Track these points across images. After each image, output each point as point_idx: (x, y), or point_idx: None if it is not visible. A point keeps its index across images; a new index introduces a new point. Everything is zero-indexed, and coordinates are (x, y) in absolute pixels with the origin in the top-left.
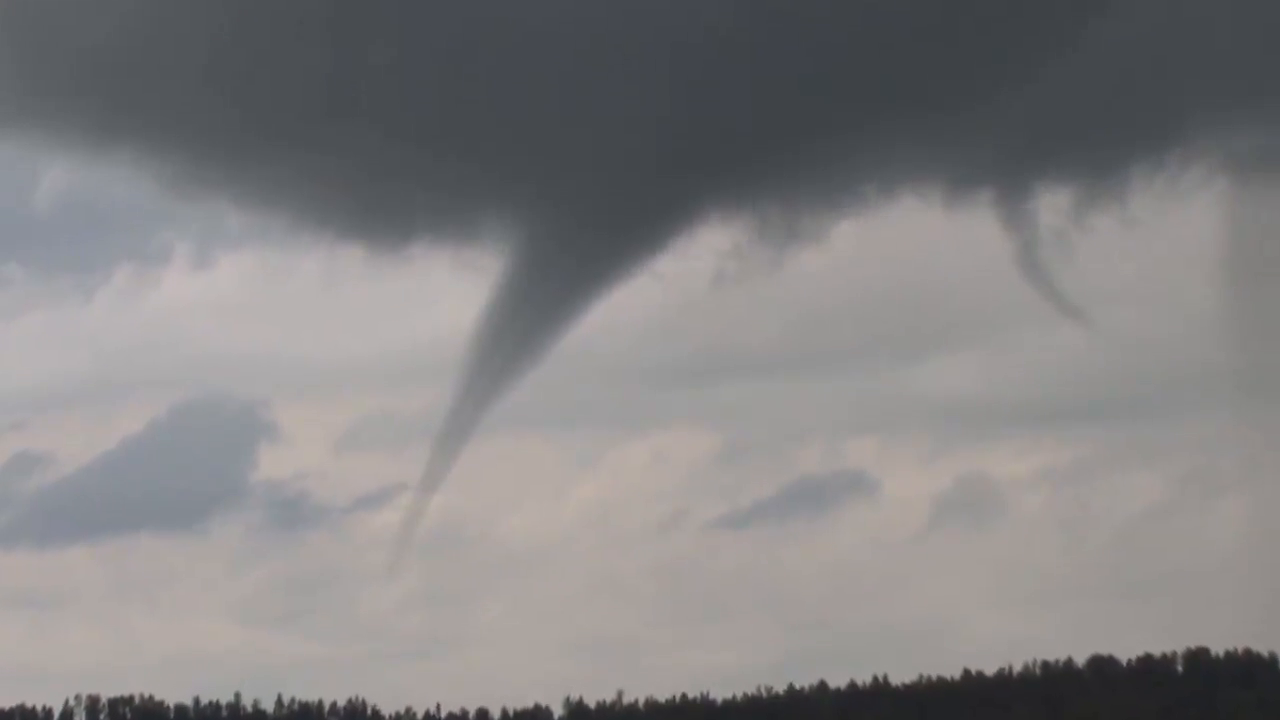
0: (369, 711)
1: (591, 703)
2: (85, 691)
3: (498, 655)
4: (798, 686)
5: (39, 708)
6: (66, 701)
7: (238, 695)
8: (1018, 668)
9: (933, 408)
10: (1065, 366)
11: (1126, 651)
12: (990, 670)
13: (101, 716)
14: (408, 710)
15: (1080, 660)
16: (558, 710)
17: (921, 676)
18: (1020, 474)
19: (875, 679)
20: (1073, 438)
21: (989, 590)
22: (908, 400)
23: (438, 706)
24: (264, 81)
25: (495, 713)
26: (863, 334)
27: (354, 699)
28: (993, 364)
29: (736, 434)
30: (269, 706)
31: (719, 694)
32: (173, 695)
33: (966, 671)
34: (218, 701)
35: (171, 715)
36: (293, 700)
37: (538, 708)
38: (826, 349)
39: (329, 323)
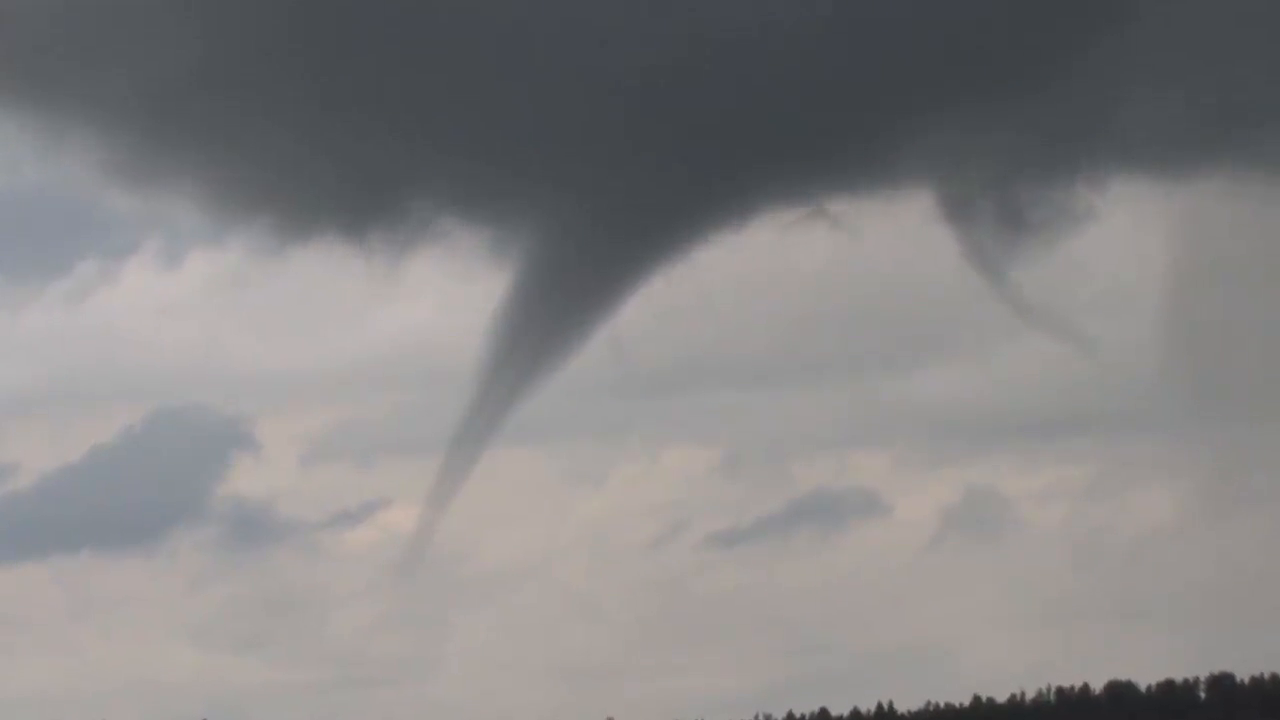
0: None
1: None
2: None
3: (477, 681)
4: (798, 714)
5: None
6: None
7: None
8: (1031, 694)
9: (932, 419)
10: (1066, 377)
11: (1146, 677)
12: (1001, 697)
13: None
14: None
15: (1097, 687)
16: None
17: (929, 703)
18: (1029, 489)
19: (880, 706)
20: (1080, 450)
21: (999, 612)
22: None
23: None
24: (236, 72)
25: None
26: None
27: None
28: (992, 374)
29: (729, 446)
30: None
31: None
32: None
33: (976, 698)
34: None
35: None
36: None
37: None
38: (818, 357)
39: (303, 326)
